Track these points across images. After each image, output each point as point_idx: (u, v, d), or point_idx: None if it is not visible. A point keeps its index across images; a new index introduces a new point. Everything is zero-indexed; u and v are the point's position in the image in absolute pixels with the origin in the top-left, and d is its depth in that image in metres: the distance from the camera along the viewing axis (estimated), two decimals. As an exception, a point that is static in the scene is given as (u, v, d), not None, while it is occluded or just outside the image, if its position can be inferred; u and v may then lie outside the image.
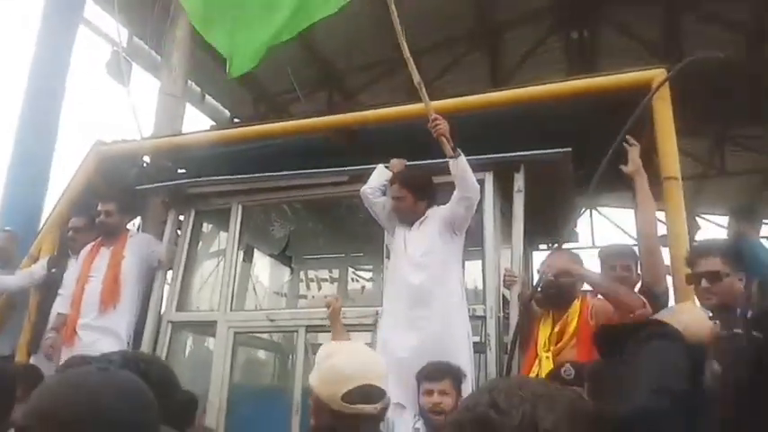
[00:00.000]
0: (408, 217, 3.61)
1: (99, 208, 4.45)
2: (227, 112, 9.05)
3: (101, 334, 4.14)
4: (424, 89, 3.43)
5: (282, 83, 8.29)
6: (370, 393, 1.80)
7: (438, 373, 3.03)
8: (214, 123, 8.24)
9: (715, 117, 7.75)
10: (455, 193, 3.42)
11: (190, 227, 4.56)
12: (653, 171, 3.77)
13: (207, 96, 8.65)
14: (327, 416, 1.79)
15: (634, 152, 3.43)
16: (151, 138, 5.23)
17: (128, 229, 4.63)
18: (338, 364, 1.83)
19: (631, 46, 7.75)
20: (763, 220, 10.09)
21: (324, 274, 5.65)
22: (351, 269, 5.68)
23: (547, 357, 3.15)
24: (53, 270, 4.63)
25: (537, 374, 3.09)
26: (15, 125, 5.59)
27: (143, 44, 7.37)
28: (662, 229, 5.14)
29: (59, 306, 4.39)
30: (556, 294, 3.31)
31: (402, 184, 3.61)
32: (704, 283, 2.87)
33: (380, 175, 3.72)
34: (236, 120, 8.99)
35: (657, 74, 3.88)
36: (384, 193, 3.71)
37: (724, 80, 6.42)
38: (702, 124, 7.67)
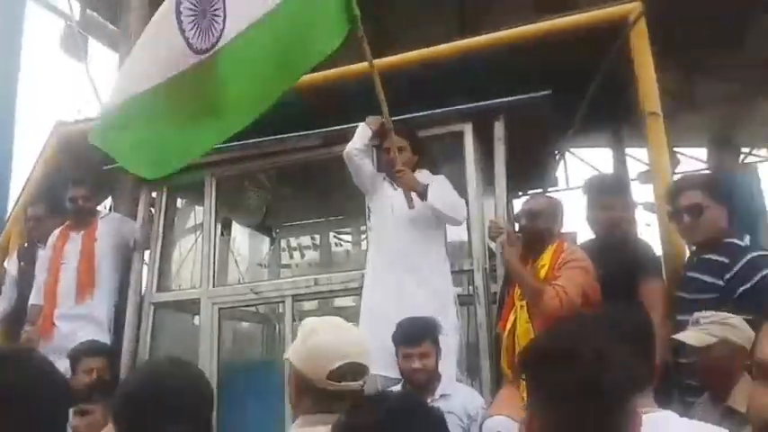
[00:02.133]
0: None
1: (72, 194, 4.26)
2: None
3: (80, 322, 4.05)
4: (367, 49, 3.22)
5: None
6: (355, 370, 1.76)
7: (415, 336, 2.99)
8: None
9: (682, 48, 7.69)
10: None
11: (163, 204, 4.36)
12: (632, 108, 3.71)
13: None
14: (310, 392, 1.76)
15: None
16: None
17: (98, 211, 4.46)
18: (323, 343, 1.78)
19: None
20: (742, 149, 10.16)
21: (305, 240, 5.53)
22: (332, 233, 5.59)
23: (521, 306, 3.06)
24: (21, 263, 4.47)
25: (514, 322, 3.06)
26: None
27: (98, 16, 7.01)
28: (642, 167, 5.08)
29: (33, 298, 4.24)
30: (530, 240, 3.21)
31: (402, 133, 3.49)
32: (686, 218, 2.84)
33: (363, 134, 3.57)
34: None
35: (633, 8, 3.79)
36: (366, 154, 3.59)
37: (689, 10, 6.33)
38: (671, 57, 7.59)
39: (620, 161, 5.30)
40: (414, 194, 3.32)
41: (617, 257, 3.10)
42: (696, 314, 2.39)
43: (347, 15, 3.00)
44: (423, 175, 3.56)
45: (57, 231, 4.30)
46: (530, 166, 4.51)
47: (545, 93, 3.58)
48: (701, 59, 8.13)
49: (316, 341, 1.77)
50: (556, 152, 5.16)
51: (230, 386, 3.96)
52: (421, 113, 3.78)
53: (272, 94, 3.03)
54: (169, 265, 4.46)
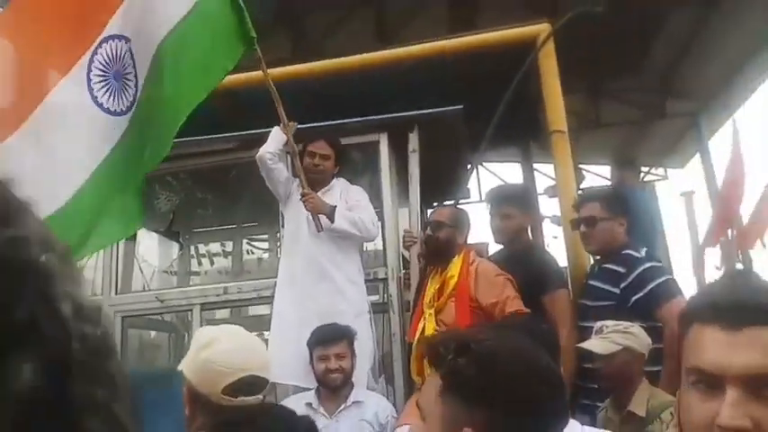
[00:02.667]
0: (320, 181, 3.49)
1: None
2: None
3: None
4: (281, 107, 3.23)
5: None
6: (253, 384, 1.65)
7: (331, 335, 2.98)
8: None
9: (590, 71, 8.10)
10: None
11: (62, 206, 4.15)
12: (541, 125, 3.85)
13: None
14: (205, 408, 1.62)
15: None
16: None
17: None
18: (217, 355, 1.64)
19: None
20: (642, 168, 10.74)
21: (216, 247, 5.37)
22: (245, 240, 5.48)
23: (430, 314, 3.10)
24: None
25: (422, 330, 3.08)
26: None
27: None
28: (550, 182, 5.26)
29: None
30: (434, 250, 3.26)
31: (329, 142, 3.46)
32: (582, 227, 3.01)
33: (277, 138, 3.46)
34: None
35: (542, 29, 3.95)
36: (281, 159, 3.54)
37: (597, 34, 6.64)
38: (578, 79, 7.98)
39: (528, 176, 5.49)
40: (322, 217, 3.32)
41: (523, 269, 3.20)
42: (599, 323, 2.51)
43: (242, 37, 2.90)
44: (340, 184, 3.56)
45: None
46: (444, 177, 4.60)
47: (456, 107, 3.67)
48: (605, 83, 8.61)
49: (210, 353, 1.65)
50: (469, 165, 5.29)
51: (134, 398, 3.78)
52: (337, 122, 3.79)
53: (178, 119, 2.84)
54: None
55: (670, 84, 8.12)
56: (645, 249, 2.93)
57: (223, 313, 4.46)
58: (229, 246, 5.36)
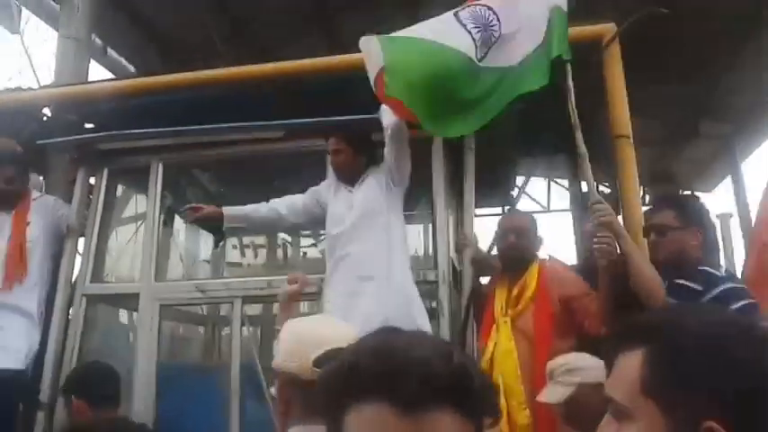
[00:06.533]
0: (347, 174, 3.38)
1: None
2: (131, 68, 8.22)
3: (7, 313, 3.61)
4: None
5: (195, 37, 7.44)
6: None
7: None
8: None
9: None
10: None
11: (103, 188, 4.00)
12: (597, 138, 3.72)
13: (109, 50, 7.78)
14: (299, 395, 1.56)
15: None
16: (52, 86, 4.58)
17: (29, 191, 4.04)
18: (304, 331, 1.68)
19: None
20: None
21: (259, 239, 5.23)
22: (290, 234, 5.32)
23: (505, 322, 3.05)
24: None
25: (495, 341, 3.00)
26: None
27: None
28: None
29: None
30: (513, 257, 3.17)
31: (340, 136, 3.38)
32: (653, 236, 2.87)
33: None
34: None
35: (608, 28, 3.81)
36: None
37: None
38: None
39: (574, 191, 5.32)
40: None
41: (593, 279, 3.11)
42: (549, 365, 2.44)
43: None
44: (373, 171, 3.45)
45: None
46: (492, 182, 4.46)
47: (512, 111, 3.52)
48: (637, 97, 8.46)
49: (295, 334, 1.66)
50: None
51: (169, 390, 3.66)
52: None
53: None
54: (106, 255, 4.07)
55: (705, 103, 7.97)
56: (725, 268, 2.77)
57: (259, 308, 4.33)
58: (273, 238, 5.20)
